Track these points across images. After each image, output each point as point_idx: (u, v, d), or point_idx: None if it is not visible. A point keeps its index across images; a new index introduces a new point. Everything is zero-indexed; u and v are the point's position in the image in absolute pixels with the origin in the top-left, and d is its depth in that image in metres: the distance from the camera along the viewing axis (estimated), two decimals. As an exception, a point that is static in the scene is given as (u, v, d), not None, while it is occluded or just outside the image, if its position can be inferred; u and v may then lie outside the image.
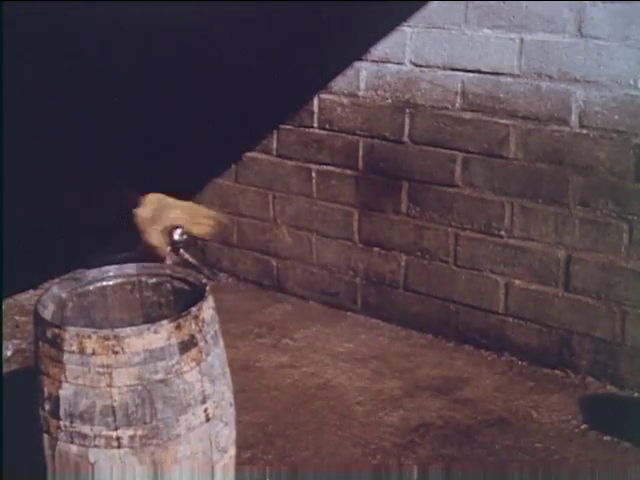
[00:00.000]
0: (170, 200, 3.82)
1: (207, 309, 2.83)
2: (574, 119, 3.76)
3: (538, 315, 4.04)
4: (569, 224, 3.87)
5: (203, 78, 4.73)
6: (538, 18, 3.75)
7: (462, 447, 3.49)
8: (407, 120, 4.21)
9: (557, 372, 4.01)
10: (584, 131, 3.75)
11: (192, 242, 4.87)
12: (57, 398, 2.70)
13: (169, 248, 3.75)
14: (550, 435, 3.56)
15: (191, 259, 4.83)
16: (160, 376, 2.68)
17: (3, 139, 3.37)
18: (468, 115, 4.03)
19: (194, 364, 2.74)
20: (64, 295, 3.00)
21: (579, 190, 3.82)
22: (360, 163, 4.40)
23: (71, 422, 2.70)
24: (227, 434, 2.91)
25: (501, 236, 4.06)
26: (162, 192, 3.64)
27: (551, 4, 3.70)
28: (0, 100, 3.31)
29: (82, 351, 2.64)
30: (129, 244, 3.85)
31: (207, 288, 2.92)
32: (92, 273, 3.14)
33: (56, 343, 2.67)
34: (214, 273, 4.98)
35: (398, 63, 4.16)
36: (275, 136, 4.66)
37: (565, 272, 3.92)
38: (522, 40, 3.81)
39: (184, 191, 4.59)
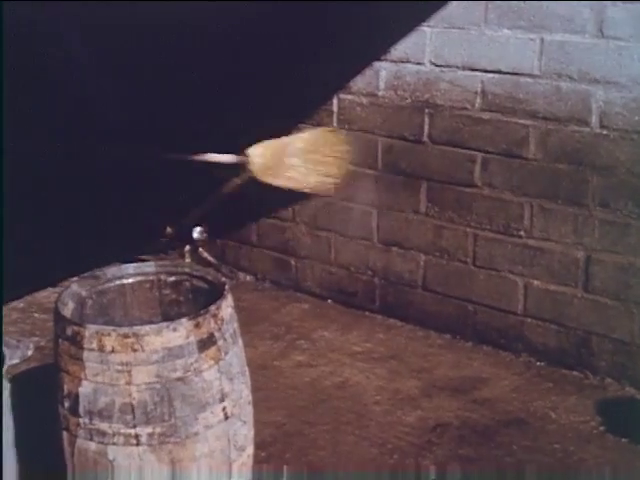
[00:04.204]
0: (283, 140, 4.26)
1: (226, 308, 2.84)
2: (594, 120, 3.75)
3: (557, 316, 4.03)
4: (588, 225, 3.86)
5: (222, 77, 4.74)
6: (558, 18, 3.74)
7: (480, 447, 3.49)
8: (426, 120, 4.20)
9: (575, 373, 4.00)
10: (604, 132, 3.74)
11: (211, 241, 4.93)
12: (76, 395, 2.72)
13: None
14: (568, 436, 3.55)
15: (210, 258, 4.88)
16: (179, 374, 2.69)
17: (3, 139, 3.37)
18: (487, 115, 4.02)
19: (213, 362, 2.76)
20: (84, 293, 3.02)
21: (599, 191, 3.80)
22: (379, 163, 4.40)
23: (90, 419, 2.71)
24: (245, 432, 2.92)
25: (520, 236, 4.05)
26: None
27: (571, 4, 3.68)
28: (1, 100, 3.32)
29: (101, 349, 2.66)
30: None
31: (226, 286, 2.92)
32: (111, 271, 3.16)
33: (76, 341, 2.69)
34: (232, 272, 4.99)
35: (418, 63, 4.15)
36: (295, 135, 4.67)
37: (584, 273, 3.91)
38: (542, 40, 3.80)
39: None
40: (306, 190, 4.37)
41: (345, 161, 4.36)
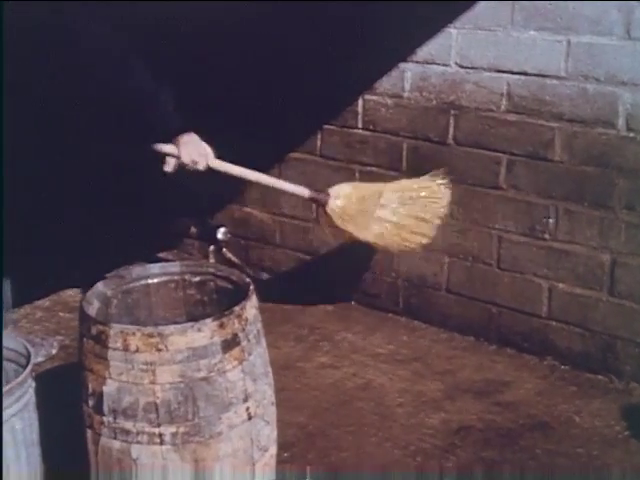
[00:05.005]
0: (372, 186, 3.92)
1: (250, 308, 2.85)
2: (621, 122, 3.73)
3: (582, 319, 4.00)
4: (614, 228, 3.83)
5: (247, 77, 4.75)
6: (585, 20, 3.72)
7: (503, 451, 3.47)
8: (452, 121, 4.19)
9: (600, 377, 3.97)
10: (631, 134, 3.72)
11: (235, 241, 4.94)
12: (101, 394, 2.73)
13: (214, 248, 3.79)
14: (592, 441, 3.53)
15: (234, 258, 4.89)
16: (203, 374, 2.70)
17: (3, 139, 3.39)
18: (513, 117, 4.01)
19: (236, 363, 2.76)
20: (109, 292, 3.04)
21: (625, 194, 3.78)
22: (404, 164, 4.39)
23: (114, 418, 2.73)
24: (268, 433, 2.92)
25: (545, 239, 4.03)
26: None
27: (599, 5, 3.66)
28: (1, 100, 3.33)
29: (126, 348, 2.67)
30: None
31: (251, 287, 2.93)
32: (136, 271, 3.17)
33: (101, 340, 2.71)
34: (256, 272, 4.99)
35: (443, 64, 4.14)
36: (319, 136, 4.67)
37: (610, 276, 3.89)
38: (569, 42, 3.78)
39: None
40: (391, 249, 4.08)
41: (442, 216, 4.04)
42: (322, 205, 4.01)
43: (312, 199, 4.05)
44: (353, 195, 3.96)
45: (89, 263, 4.55)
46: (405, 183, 4.07)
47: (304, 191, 4.01)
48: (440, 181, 4.07)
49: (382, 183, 4.09)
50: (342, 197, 3.96)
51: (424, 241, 4.05)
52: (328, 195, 3.98)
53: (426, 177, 4.10)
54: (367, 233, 3.94)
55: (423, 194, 4.01)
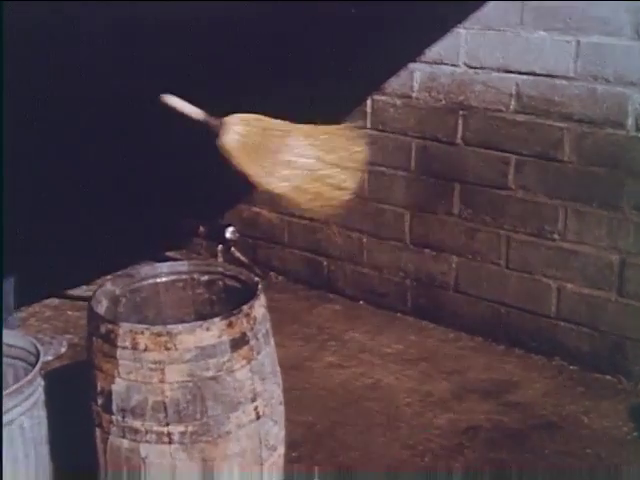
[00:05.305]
0: (278, 123, 3.20)
1: (259, 307, 2.85)
2: (630, 122, 3.72)
3: (590, 320, 4.00)
4: (623, 228, 3.83)
5: (254, 78, 4.75)
6: (595, 20, 3.71)
7: (511, 451, 3.47)
8: (460, 122, 4.19)
9: (609, 378, 3.97)
10: (640, 135, 3.72)
11: (243, 241, 4.94)
12: (109, 393, 2.74)
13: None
14: (601, 441, 3.52)
15: (242, 257, 4.89)
16: (211, 373, 2.70)
17: (3, 139, 3.39)
18: (522, 117, 4.00)
19: (245, 362, 2.76)
20: (118, 291, 3.04)
21: (634, 194, 3.77)
22: (412, 164, 4.39)
23: (123, 417, 2.73)
24: (276, 432, 2.93)
25: (554, 239, 4.03)
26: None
27: (608, 6, 3.66)
28: (1, 100, 3.32)
29: (135, 347, 2.67)
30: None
31: (259, 286, 2.93)
32: (145, 270, 3.18)
33: (109, 338, 2.71)
34: (264, 272, 5.00)
35: (452, 65, 4.14)
36: (328, 136, 4.66)
37: (619, 277, 3.88)
38: (578, 42, 3.77)
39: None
40: (302, 202, 3.26)
41: (358, 172, 3.33)
42: (215, 133, 3.20)
43: (205, 123, 3.23)
44: (255, 126, 3.23)
45: (98, 262, 4.57)
46: (317, 128, 3.35)
47: (197, 113, 3.25)
48: (355, 130, 3.42)
49: (289, 123, 3.33)
50: (241, 125, 3.20)
51: (344, 195, 3.27)
52: (224, 122, 3.20)
53: (340, 125, 3.45)
54: (272, 178, 3.18)
55: (337, 142, 3.33)
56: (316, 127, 3.34)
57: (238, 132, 3.17)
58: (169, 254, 5.22)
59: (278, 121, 3.27)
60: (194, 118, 3.23)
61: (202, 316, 3.04)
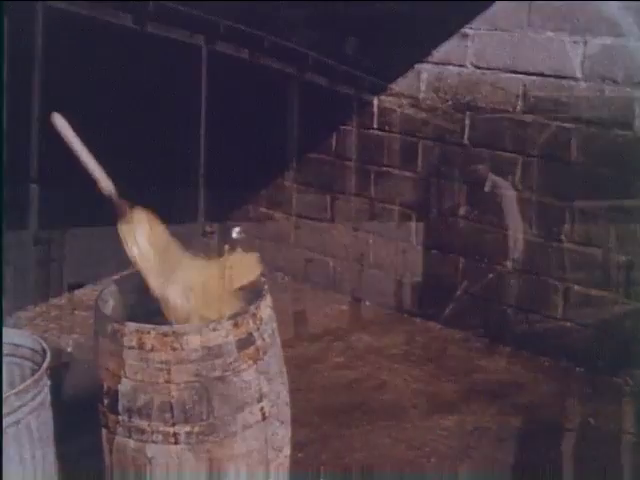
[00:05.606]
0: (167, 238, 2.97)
1: (265, 308, 2.84)
2: (637, 123, 3.71)
3: (597, 321, 3.99)
4: (630, 230, 3.82)
5: (260, 77, 4.75)
6: (602, 21, 3.70)
7: (517, 453, 3.46)
8: (467, 122, 4.18)
9: (616, 380, 3.96)
10: (648, 136, 3.71)
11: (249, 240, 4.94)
12: (116, 393, 2.73)
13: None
14: (608, 443, 3.51)
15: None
16: (217, 373, 2.70)
17: (3, 139, 3.39)
18: (529, 118, 3.99)
19: (251, 362, 2.76)
20: (124, 291, 3.03)
21: (642, 195, 3.77)
22: (419, 165, 4.38)
23: (129, 417, 2.72)
24: (283, 433, 2.92)
25: (561, 241, 4.02)
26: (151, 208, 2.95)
27: (616, 7, 3.65)
28: (1, 100, 3.33)
29: (141, 347, 2.67)
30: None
31: (265, 286, 2.92)
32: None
33: (116, 338, 2.70)
34: (270, 272, 4.99)
35: (459, 65, 4.14)
36: (334, 137, 4.67)
37: (626, 278, 3.87)
38: (586, 43, 3.77)
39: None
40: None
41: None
42: (120, 214, 2.95)
43: (113, 201, 2.95)
44: (158, 232, 3.00)
45: (104, 261, 4.56)
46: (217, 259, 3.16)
47: (109, 187, 2.92)
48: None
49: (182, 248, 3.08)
50: (147, 223, 2.96)
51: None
52: (131, 211, 2.96)
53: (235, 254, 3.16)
54: (167, 286, 2.89)
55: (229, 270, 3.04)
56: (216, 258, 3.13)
57: (141, 232, 2.94)
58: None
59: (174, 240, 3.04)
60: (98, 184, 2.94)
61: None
